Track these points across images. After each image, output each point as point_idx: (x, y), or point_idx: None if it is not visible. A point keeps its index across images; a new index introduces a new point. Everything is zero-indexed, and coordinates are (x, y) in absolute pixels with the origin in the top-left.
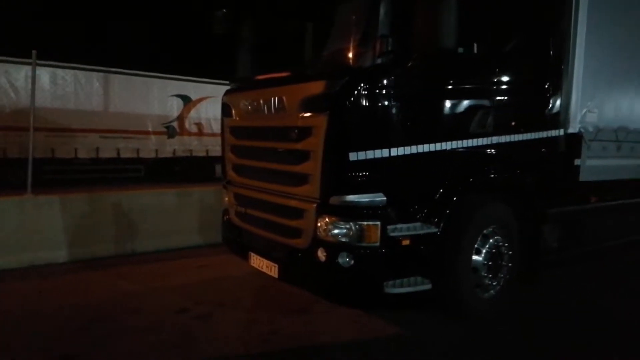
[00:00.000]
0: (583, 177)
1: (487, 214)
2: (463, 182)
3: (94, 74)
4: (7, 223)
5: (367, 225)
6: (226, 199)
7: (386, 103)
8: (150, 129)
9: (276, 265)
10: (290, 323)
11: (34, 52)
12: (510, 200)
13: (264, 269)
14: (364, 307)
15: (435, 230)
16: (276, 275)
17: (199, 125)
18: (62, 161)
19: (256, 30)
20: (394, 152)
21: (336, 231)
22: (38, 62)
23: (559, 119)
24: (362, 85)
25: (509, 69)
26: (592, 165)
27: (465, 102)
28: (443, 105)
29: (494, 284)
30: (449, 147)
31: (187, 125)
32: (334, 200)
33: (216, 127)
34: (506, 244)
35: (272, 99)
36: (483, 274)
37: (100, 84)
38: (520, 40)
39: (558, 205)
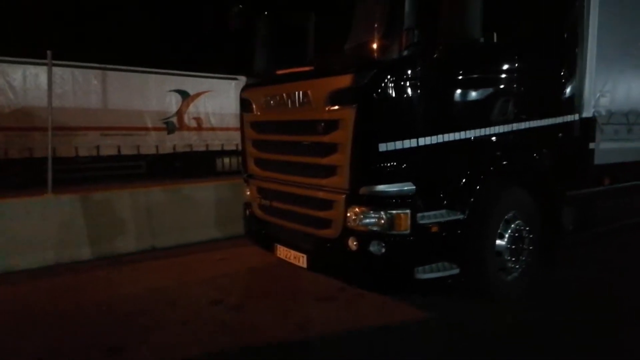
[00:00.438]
0: (598, 160)
1: (508, 199)
2: (486, 169)
3: (91, 71)
4: (31, 222)
5: (398, 213)
6: (248, 192)
7: (413, 94)
8: (149, 125)
9: (304, 256)
10: (321, 311)
11: (49, 52)
12: (530, 185)
13: (292, 260)
14: (395, 293)
15: (461, 216)
16: (305, 266)
17: (198, 120)
18: (63, 160)
19: (272, 25)
20: (422, 141)
21: (367, 220)
22: (37, 61)
23: (574, 104)
24: (389, 77)
25: (528, 56)
26: (605, 148)
27: (488, 91)
28: (467, 94)
29: (517, 266)
30: (473, 135)
31: (186, 120)
32: (364, 190)
33: (215, 122)
34: (527, 228)
35: (296, 93)
36: (506, 257)
37: (98, 81)
38: (536, 27)
39: (574, 188)
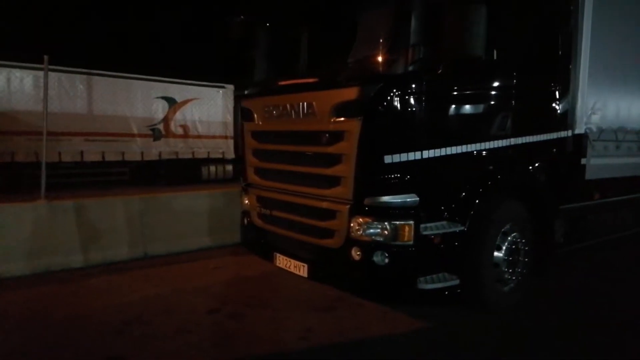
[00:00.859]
0: (588, 175)
1: (505, 212)
2: (485, 182)
3: (77, 76)
4: (22, 229)
5: (402, 224)
6: (246, 201)
7: (417, 108)
8: (135, 131)
9: (305, 265)
10: (321, 321)
11: (45, 57)
12: (525, 198)
13: (292, 269)
14: (397, 303)
15: (462, 228)
16: (305, 275)
17: (184, 127)
18: (46, 165)
19: (273, 37)
20: (426, 154)
21: (371, 231)
22: (23, 65)
23: (567, 120)
24: (395, 91)
25: (526, 73)
26: (596, 164)
27: (489, 106)
28: (470, 109)
29: (513, 278)
30: (473, 149)
31: (172, 127)
32: (368, 201)
33: (202, 129)
34: (523, 240)
35: (300, 103)
36: (503, 269)
37: (84, 87)
38: (533, 45)
39: (566, 202)
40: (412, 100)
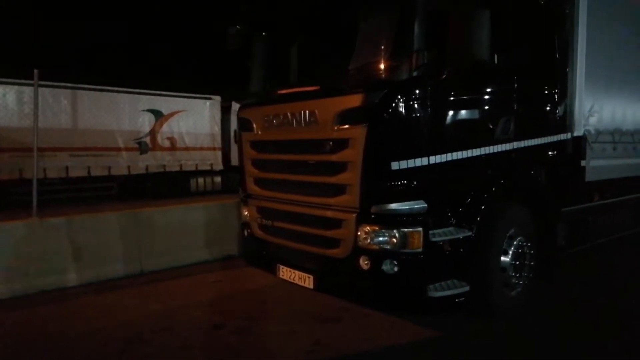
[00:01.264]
0: (589, 177)
1: (510, 216)
2: (490, 186)
3: (62, 91)
4: (14, 248)
5: (411, 232)
6: (246, 212)
7: (423, 113)
8: (121, 145)
9: (310, 276)
10: (328, 332)
11: (35, 71)
12: (528, 202)
13: (296, 281)
14: (407, 312)
15: (470, 233)
16: (311, 286)
17: (171, 139)
18: (31, 182)
19: (270, 46)
20: (432, 160)
21: (379, 239)
22: (5, 80)
23: (566, 123)
24: (400, 97)
25: (527, 77)
26: (595, 165)
27: (491, 111)
28: (474, 114)
29: (520, 282)
30: (478, 153)
31: (159, 140)
32: (375, 209)
33: (189, 141)
34: (528, 244)
35: (302, 112)
36: (510, 273)
37: (69, 101)
38: (532, 49)
39: (568, 204)
40: (417, 106)
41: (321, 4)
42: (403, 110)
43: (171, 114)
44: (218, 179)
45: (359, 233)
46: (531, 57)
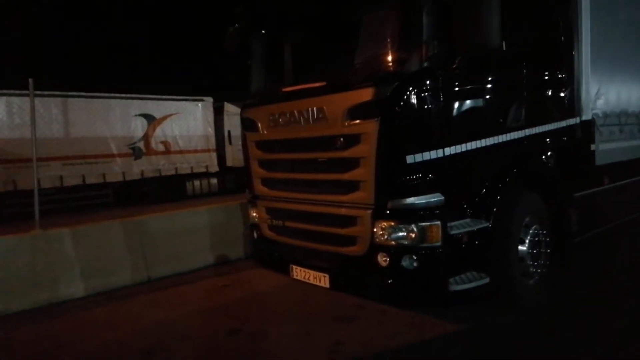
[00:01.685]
0: (599, 160)
1: (524, 204)
2: (505, 174)
3: (52, 99)
4: (19, 261)
5: (429, 225)
6: (254, 214)
7: (435, 104)
8: (115, 152)
9: (326, 276)
10: (348, 332)
11: (30, 80)
12: (541, 189)
13: (311, 280)
14: (428, 306)
15: (487, 224)
16: (327, 285)
17: (165, 143)
18: (25, 193)
19: (270, 44)
20: (447, 151)
21: (397, 234)
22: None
23: (574, 107)
24: (411, 89)
25: (535, 63)
26: (604, 148)
27: (502, 99)
28: (485, 102)
29: (537, 270)
30: (491, 142)
31: (153, 144)
32: (392, 204)
33: (183, 144)
34: (543, 232)
35: (309, 109)
36: (528, 262)
37: (59, 110)
38: (539, 34)
39: (579, 189)
40: (430, 97)
41: None
42: (416, 103)
43: (164, 118)
44: (214, 181)
45: (375, 229)
46: (537, 42)
